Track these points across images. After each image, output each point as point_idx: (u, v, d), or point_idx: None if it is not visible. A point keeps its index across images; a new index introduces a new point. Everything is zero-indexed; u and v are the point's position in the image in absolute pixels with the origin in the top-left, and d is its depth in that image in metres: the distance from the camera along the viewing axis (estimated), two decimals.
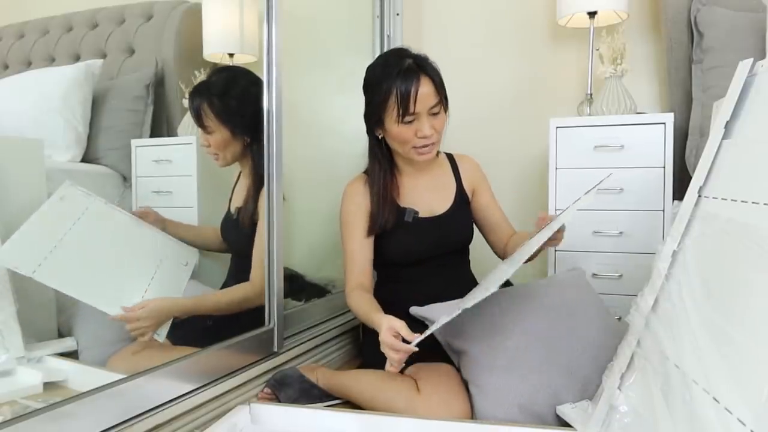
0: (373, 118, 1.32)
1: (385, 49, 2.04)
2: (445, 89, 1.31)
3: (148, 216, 1.44)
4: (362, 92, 1.38)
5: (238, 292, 1.36)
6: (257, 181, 1.39)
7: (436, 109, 1.28)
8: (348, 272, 1.36)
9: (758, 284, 0.71)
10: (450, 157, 1.49)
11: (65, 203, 1.23)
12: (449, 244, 1.42)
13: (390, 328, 1.05)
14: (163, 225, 1.47)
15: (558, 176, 1.64)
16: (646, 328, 0.90)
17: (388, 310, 1.28)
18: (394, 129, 1.29)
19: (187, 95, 1.85)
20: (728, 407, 0.67)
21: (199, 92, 1.44)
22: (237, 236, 1.47)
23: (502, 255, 1.46)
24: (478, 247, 1.49)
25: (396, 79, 1.25)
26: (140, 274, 1.27)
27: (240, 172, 1.50)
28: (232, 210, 1.48)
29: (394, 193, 1.39)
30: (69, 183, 1.28)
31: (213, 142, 1.41)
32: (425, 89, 1.25)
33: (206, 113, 1.39)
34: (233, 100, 1.42)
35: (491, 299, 1.35)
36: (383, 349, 1.07)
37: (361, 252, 1.36)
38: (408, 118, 1.26)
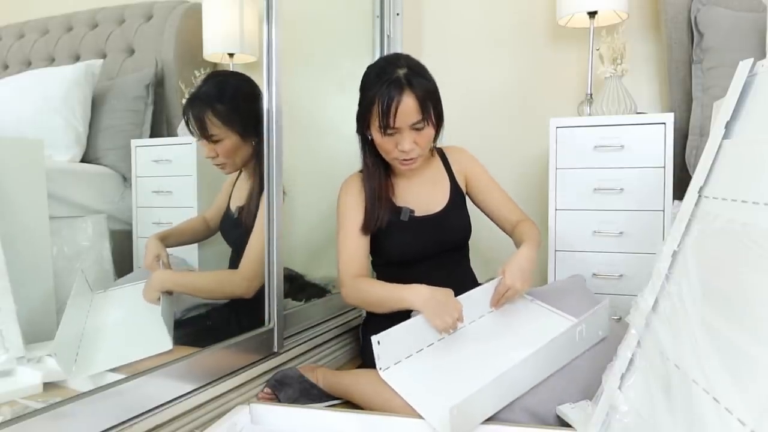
0: (362, 120, 1.33)
1: (385, 50, 2.04)
2: (433, 104, 1.28)
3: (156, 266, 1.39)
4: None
5: (221, 275, 1.33)
6: (261, 181, 1.37)
7: (419, 125, 1.26)
8: (346, 263, 1.34)
9: (758, 284, 0.71)
10: (440, 152, 1.49)
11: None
12: (447, 242, 1.41)
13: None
14: (164, 248, 1.43)
15: (558, 176, 1.63)
16: (646, 328, 0.90)
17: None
18: (377, 138, 1.29)
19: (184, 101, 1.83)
20: (728, 407, 0.67)
21: (198, 101, 1.37)
22: (237, 235, 1.45)
23: (510, 236, 1.44)
24: (478, 243, 1.48)
25: (380, 89, 1.24)
26: None
27: (240, 172, 1.49)
28: (233, 209, 1.47)
29: (389, 192, 1.39)
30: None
31: (221, 151, 1.37)
32: (407, 106, 1.23)
33: (212, 121, 1.34)
34: (237, 103, 1.39)
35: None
36: (439, 311, 1.15)
37: (358, 245, 1.36)
38: (389, 131, 1.26)
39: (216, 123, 1.35)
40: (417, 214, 1.39)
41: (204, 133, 1.35)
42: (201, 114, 1.34)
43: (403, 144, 1.27)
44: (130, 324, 1.29)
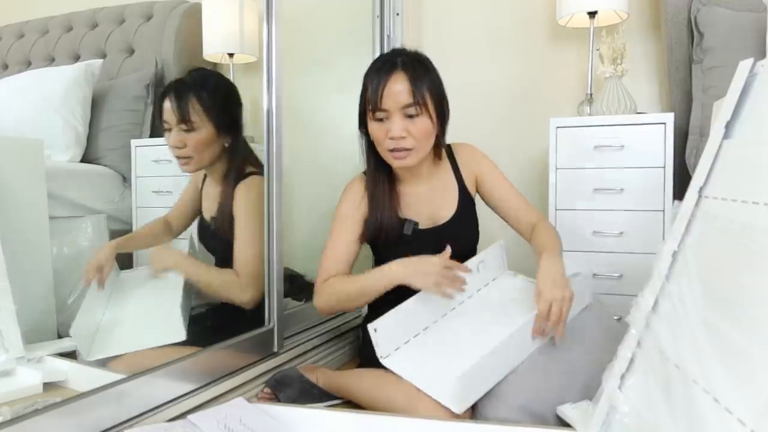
0: (360, 114, 1.28)
1: (385, 49, 2.04)
2: (431, 94, 1.21)
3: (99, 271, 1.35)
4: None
5: (229, 277, 1.31)
6: (229, 187, 1.34)
7: (411, 111, 1.19)
8: (327, 266, 1.29)
9: (758, 285, 0.71)
10: (448, 150, 1.41)
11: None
12: (452, 253, 1.39)
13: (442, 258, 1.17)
14: (112, 259, 1.39)
15: (558, 176, 1.63)
16: (646, 328, 0.90)
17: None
18: (369, 125, 1.24)
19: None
20: (728, 407, 0.67)
21: (184, 86, 1.34)
22: (217, 245, 1.42)
23: (529, 241, 1.35)
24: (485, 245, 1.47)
25: (372, 72, 1.22)
26: None
27: (204, 177, 1.45)
28: (207, 219, 1.43)
29: (394, 201, 1.33)
30: None
31: (193, 142, 1.31)
32: (397, 86, 1.18)
33: (194, 108, 1.30)
34: (221, 99, 1.38)
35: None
36: (438, 275, 1.15)
37: (346, 251, 1.31)
38: (378, 114, 1.20)
39: (197, 110, 1.31)
40: (422, 226, 1.32)
41: (183, 118, 1.30)
42: (185, 98, 1.30)
43: (393, 130, 1.19)
44: (144, 311, 1.33)
